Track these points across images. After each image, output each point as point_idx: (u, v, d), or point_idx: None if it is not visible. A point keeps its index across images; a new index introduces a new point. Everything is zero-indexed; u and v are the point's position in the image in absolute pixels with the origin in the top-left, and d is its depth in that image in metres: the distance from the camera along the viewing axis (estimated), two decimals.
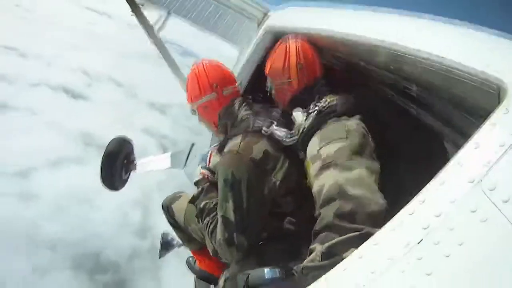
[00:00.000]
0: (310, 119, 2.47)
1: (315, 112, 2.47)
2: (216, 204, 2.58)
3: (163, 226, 3.49)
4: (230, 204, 2.38)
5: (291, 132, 2.58)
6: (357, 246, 1.49)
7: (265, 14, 4.89)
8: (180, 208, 3.26)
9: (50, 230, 16.49)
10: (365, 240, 1.52)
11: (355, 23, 2.70)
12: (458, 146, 1.91)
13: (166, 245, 4.13)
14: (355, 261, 1.31)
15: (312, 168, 2.24)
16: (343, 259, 1.53)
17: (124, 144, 4.30)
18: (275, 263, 2.33)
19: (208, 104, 2.88)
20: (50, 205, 17.56)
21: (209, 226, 2.61)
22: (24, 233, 15.85)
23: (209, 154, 2.99)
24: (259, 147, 2.48)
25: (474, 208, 1.08)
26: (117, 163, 4.14)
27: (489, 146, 1.19)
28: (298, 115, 2.60)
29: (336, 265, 1.45)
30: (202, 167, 2.96)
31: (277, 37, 3.13)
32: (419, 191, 1.28)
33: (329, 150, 2.15)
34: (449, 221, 1.10)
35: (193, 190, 3.02)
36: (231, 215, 2.38)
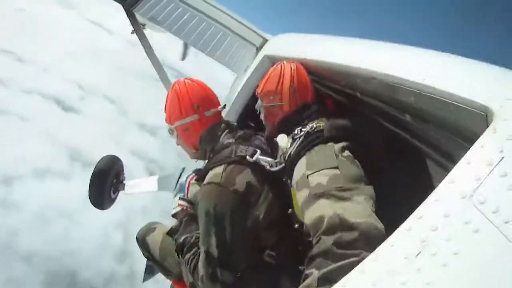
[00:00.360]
0: (296, 144, 2.39)
1: (302, 136, 2.40)
2: (197, 238, 2.47)
3: None
4: (213, 239, 2.25)
5: (276, 160, 2.48)
6: None
7: (264, 40, 4.93)
8: (155, 241, 3.08)
9: (28, 241, 16.16)
10: None
11: (350, 52, 2.76)
12: (448, 168, 1.98)
13: (150, 269, 4.00)
14: (357, 275, 1.34)
15: (300, 195, 2.14)
16: None
17: (114, 163, 4.23)
18: None
19: (189, 125, 2.71)
20: (31, 216, 17.26)
21: (191, 262, 2.47)
22: (1, 241, 15.57)
23: (187, 183, 2.84)
24: (242, 178, 2.34)
25: (467, 220, 1.16)
26: (106, 182, 4.06)
27: (479, 164, 1.28)
28: (283, 139, 2.55)
29: None
30: (180, 198, 2.80)
31: (275, 63, 3.11)
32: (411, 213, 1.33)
33: (320, 179, 2.05)
34: (444, 234, 1.17)
35: (170, 220, 2.91)
36: (214, 251, 2.25)
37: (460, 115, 1.65)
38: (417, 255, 1.17)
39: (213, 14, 5.29)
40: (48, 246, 16.45)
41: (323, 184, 2.02)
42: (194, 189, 2.71)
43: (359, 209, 1.89)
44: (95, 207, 4.14)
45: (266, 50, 4.36)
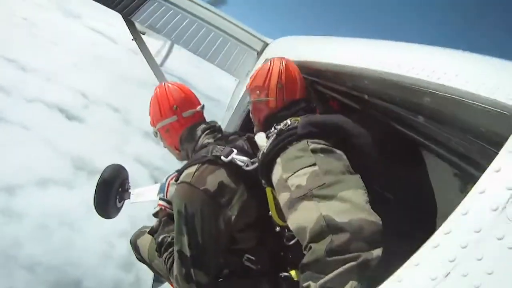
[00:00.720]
0: (269, 142, 2.30)
1: (274, 134, 2.31)
2: (174, 238, 2.48)
3: None
4: (185, 239, 2.29)
5: (252, 159, 2.44)
6: (356, 277, 1.51)
7: (265, 44, 4.87)
8: (144, 243, 3.13)
9: (31, 250, 16.05)
10: (364, 269, 1.52)
11: (356, 52, 2.65)
12: (467, 173, 1.87)
13: (158, 277, 3.98)
14: None
15: (281, 199, 2.04)
16: None
17: (119, 172, 4.21)
18: None
19: (169, 127, 2.80)
20: (33, 225, 17.17)
21: (168, 261, 2.52)
22: (3, 250, 15.45)
23: (167, 183, 2.91)
24: (214, 178, 2.35)
25: (500, 236, 1.06)
26: (112, 191, 4.04)
27: (510, 171, 1.18)
28: (261, 138, 2.47)
29: None
30: (160, 198, 2.88)
31: None
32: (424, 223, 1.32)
33: (299, 180, 1.94)
34: (476, 251, 1.07)
35: None
36: (187, 250, 2.29)
37: (481, 116, 1.52)
38: (446, 276, 1.06)
39: (212, 20, 5.30)
40: (51, 255, 16.39)
41: (303, 185, 1.91)
42: (173, 189, 2.70)
43: (346, 205, 1.76)
44: (102, 216, 4.11)
45: (267, 54, 4.30)
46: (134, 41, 5.68)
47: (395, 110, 2.25)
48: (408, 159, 2.40)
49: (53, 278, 15.77)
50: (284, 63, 2.79)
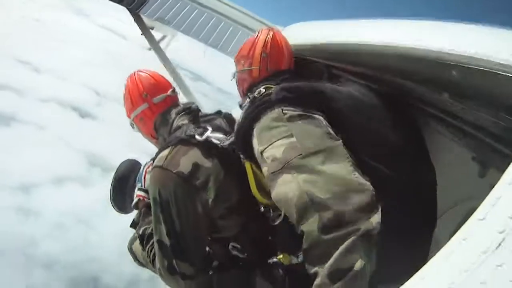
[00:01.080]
0: (242, 112, 2.18)
1: (247, 104, 2.18)
2: None
3: None
4: (163, 227, 2.16)
5: (229, 136, 2.33)
6: (362, 253, 1.41)
7: None
8: (138, 248, 2.91)
9: (48, 248, 16.28)
10: (367, 239, 1.43)
11: (375, 31, 2.43)
12: (498, 150, 1.76)
13: None
14: (427, 275, 1.14)
15: (264, 174, 1.89)
16: (357, 270, 1.39)
17: (135, 167, 4.20)
18: None
19: (142, 115, 2.73)
20: (49, 223, 17.41)
21: (150, 253, 2.42)
22: (21, 249, 15.68)
23: (143, 172, 2.86)
24: (188, 160, 2.22)
25: None
26: (128, 186, 4.03)
27: None
28: (238, 112, 2.41)
29: (354, 280, 1.39)
30: (138, 188, 2.82)
31: None
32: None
33: (275, 152, 1.79)
34: None
35: None
36: (166, 239, 2.16)
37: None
38: (497, 248, 1.00)
39: (221, 9, 5.27)
40: (69, 252, 16.58)
41: (278, 157, 1.76)
42: None
43: (327, 177, 1.62)
44: (118, 211, 4.07)
45: None
46: (142, 35, 5.67)
47: (418, 89, 2.11)
48: (430, 139, 2.26)
49: (71, 275, 15.95)
50: (271, 33, 2.69)
